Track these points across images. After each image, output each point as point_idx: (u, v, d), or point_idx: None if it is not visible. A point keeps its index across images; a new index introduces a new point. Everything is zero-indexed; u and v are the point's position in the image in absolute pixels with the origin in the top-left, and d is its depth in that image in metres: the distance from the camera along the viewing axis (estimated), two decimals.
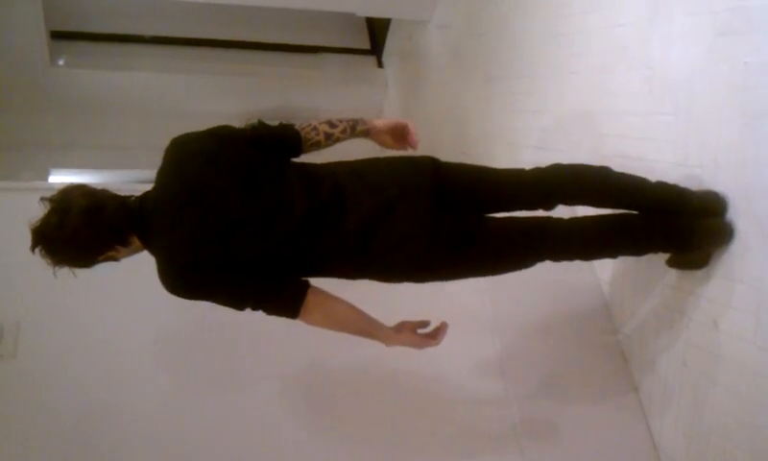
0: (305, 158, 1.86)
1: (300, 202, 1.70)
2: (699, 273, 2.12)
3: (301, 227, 1.70)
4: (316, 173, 1.79)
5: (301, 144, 1.83)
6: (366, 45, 5.61)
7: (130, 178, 4.71)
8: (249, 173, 1.71)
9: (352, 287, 1.85)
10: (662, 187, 2.02)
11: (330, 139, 1.86)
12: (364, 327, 1.78)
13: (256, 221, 1.67)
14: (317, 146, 1.86)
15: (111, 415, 2.13)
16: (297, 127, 1.84)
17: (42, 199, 1.61)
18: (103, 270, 1.72)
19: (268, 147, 1.79)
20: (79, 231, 1.58)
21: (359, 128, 1.90)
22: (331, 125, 1.86)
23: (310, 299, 1.69)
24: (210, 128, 1.78)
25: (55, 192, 1.63)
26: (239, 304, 1.69)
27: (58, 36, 4.73)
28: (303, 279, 1.73)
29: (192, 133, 1.76)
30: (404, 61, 5.07)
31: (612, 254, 2.08)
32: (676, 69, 2.23)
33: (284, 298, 1.69)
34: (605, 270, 2.69)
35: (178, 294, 1.67)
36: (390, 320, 2.36)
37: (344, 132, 1.87)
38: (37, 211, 1.62)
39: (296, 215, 1.69)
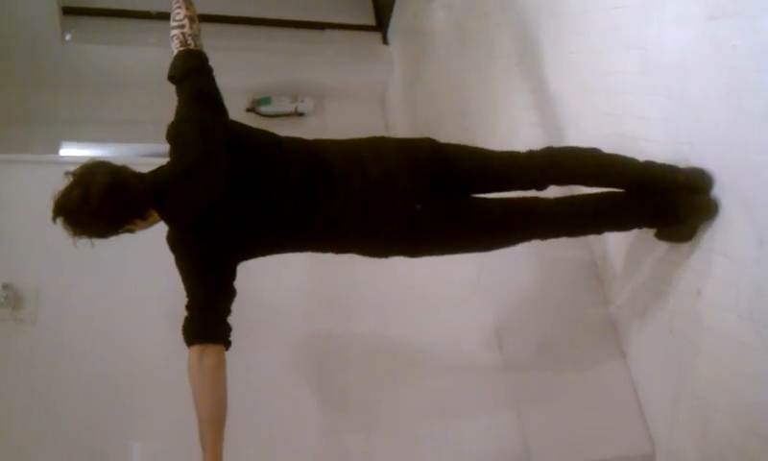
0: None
1: (292, 176, 1.80)
2: (685, 245, 2.21)
3: (288, 200, 1.79)
4: (308, 148, 1.89)
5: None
6: (371, 22, 5.62)
7: (138, 151, 4.78)
8: (238, 148, 1.81)
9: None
10: (650, 166, 2.10)
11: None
12: (204, 429, 1.66)
13: (244, 190, 1.77)
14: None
15: (128, 379, 2.22)
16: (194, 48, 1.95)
17: (66, 173, 1.68)
18: (121, 238, 1.80)
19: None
20: (102, 207, 1.65)
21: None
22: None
23: (211, 350, 1.67)
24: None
25: (78, 167, 1.70)
26: (191, 284, 1.73)
27: (68, 11, 4.78)
28: (229, 338, 1.73)
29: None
30: (409, 38, 5.10)
31: (598, 231, 2.18)
32: (669, 51, 2.29)
33: (204, 322, 1.70)
34: (598, 244, 2.78)
35: (174, 246, 1.75)
36: (388, 293, 2.45)
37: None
38: (52, 183, 1.68)
39: (280, 188, 1.79)
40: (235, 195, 1.76)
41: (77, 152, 4.92)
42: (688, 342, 2.22)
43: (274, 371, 2.33)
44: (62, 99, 4.83)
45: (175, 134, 1.84)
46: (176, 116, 1.88)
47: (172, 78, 1.93)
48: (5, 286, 2.23)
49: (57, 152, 4.80)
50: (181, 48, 1.93)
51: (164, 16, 5.25)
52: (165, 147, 1.87)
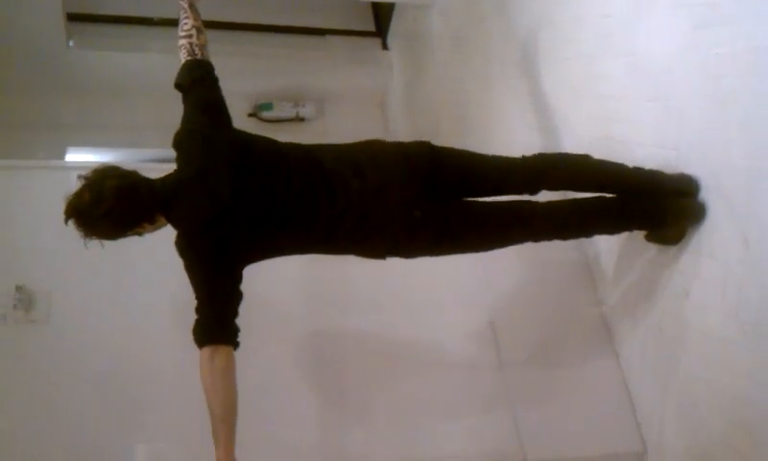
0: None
1: (294, 183, 1.86)
2: (674, 248, 2.28)
3: (290, 205, 1.85)
4: (308, 154, 1.95)
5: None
6: (371, 28, 5.68)
7: (143, 156, 4.85)
8: (241, 156, 1.88)
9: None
10: (639, 173, 2.16)
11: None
12: (217, 426, 1.73)
13: (247, 198, 1.84)
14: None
15: (137, 378, 2.29)
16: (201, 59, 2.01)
17: (79, 176, 1.76)
18: (131, 240, 1.87)
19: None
20: (112, 209, 1.72)
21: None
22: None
23: (221, 351, 1.75)
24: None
25: (89, 171, 1.77)
26: (200, 289, 1.80)
27: (72, 18, 4.85)
28: (237, 339, 1.80)
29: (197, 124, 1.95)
30: (408, 44, 5.16)
31: (589, 234, 2.25)
32: (657, 58, 2.35)
33: (213, 324, 1.77)
34: (590, 246, 2.85)
35: (182, 252, 1.82)
36: (385, 292, 2.49)
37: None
38: (63, 187, 1.76)
39: (282, 195, 1.85)
40: (240, 201, 1.83)
41: (83, 157, 4.99)
42: (677, 341, 2.29)
43: (271, 368, 2.38)
44: (67, 105, 4.89)
45: (180, 142, 1.92)
46: (182, 125, 1.95)
47: (179, 86, 2.00)
48: (18, 288, 2.30)
49: (62, 157, 4.86)
50: (189, 58, 2.00)
51: (166, 23, 5.27)
52: (169, 152, 1.95)
